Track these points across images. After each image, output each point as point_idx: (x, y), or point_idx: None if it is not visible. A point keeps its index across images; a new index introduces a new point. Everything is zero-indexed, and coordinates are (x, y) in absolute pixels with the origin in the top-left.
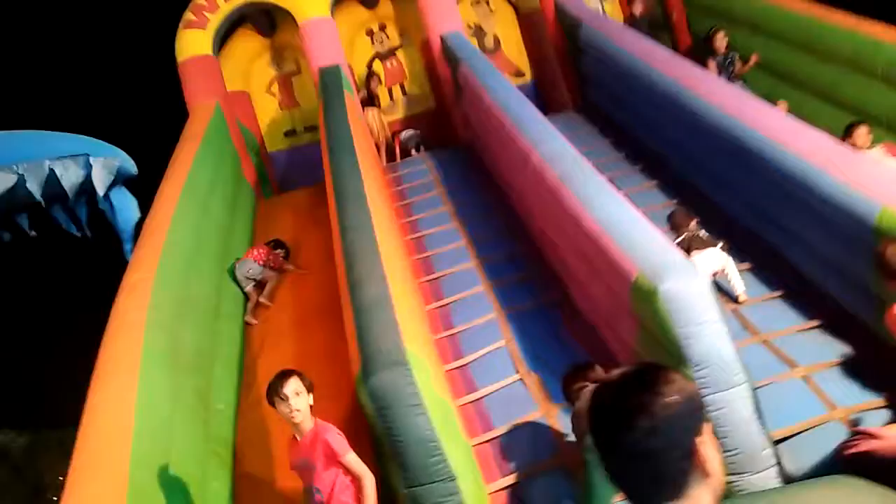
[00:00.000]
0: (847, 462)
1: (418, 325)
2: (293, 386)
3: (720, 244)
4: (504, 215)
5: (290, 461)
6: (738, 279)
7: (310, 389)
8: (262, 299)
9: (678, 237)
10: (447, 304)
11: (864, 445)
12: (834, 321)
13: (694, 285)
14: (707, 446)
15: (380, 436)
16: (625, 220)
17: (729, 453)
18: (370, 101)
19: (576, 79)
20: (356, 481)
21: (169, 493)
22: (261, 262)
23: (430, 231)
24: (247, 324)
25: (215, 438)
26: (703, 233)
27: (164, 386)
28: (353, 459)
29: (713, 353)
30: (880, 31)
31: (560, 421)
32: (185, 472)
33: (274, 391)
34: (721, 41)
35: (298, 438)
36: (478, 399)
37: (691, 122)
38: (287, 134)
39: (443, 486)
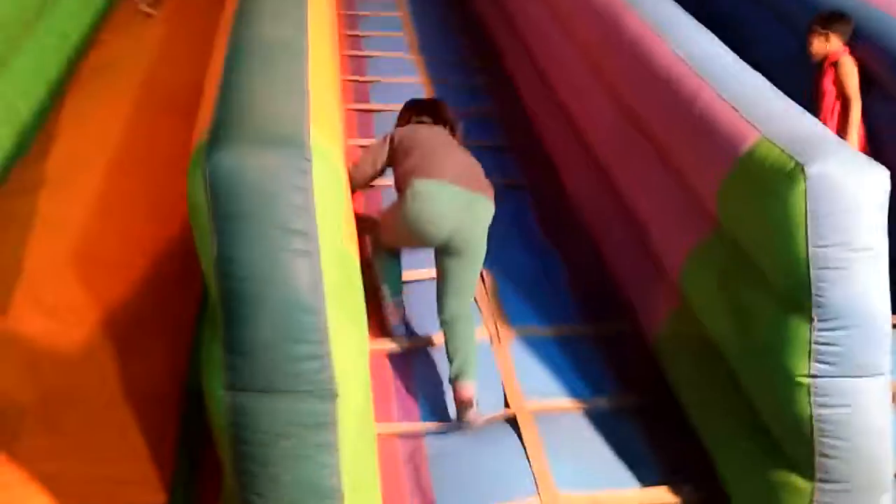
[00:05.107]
0: None
1: (338, 123)
2: None
3: None
4: (488, 70)
5: None
6: None
7: None
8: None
9: None
10: None
11: None
12: None
13: (870, 180)
14: None
15: (211, 269)
16: (729, 64)
17: (830, 484)
18: None
19: None
20: None
21: None
22: None
23: (375, 53)
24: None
25: None
26: None
27: None
28: None
29: (864, 305)
30: None
31: (511, 352)
32: None
33: None
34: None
35: None
36: None
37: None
38: None
39: (308, 405)
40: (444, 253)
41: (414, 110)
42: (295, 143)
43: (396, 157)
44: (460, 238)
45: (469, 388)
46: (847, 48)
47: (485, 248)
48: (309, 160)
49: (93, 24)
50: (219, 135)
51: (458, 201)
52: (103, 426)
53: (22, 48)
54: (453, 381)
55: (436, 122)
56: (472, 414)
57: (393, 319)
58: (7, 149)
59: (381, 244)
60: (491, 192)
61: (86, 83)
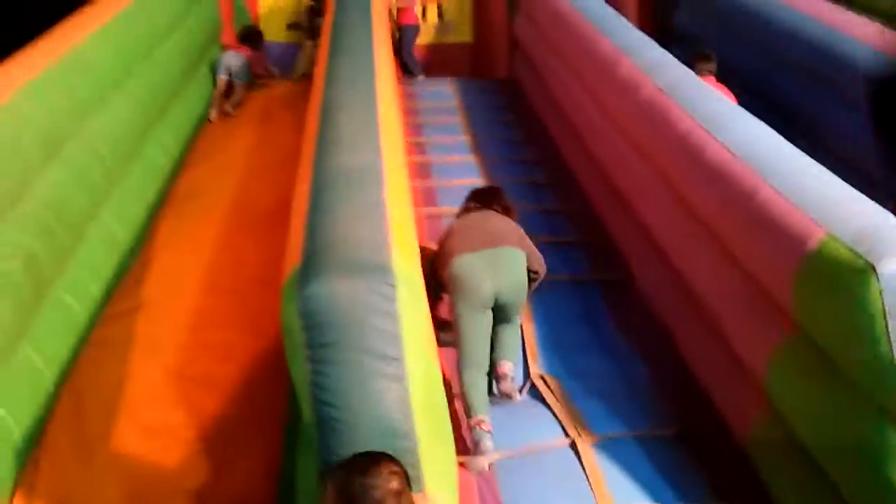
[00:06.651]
0: None
1: (414, 239)
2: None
3: None
4: (548, 164)
5: None
6: None
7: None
8: (227, 107)
9: None
10: None
11: None
12: None
13: None
14: None
15: (305, 394)
16: (786, 154)
17: None
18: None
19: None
20: None
21: None
22: (246, 58)
23: (439, 159)
24: (208, 121)
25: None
26: None
27: None
28: None
29: None
30: None
31: (596, 458)
32: None
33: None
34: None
35: None
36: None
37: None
38: (290, 27)
39: None
40: (497, 310)
41: (468, 198)
42: (380, 270)
43: (442, 245)
44: (507, 293)
45: (504, 365)
46: (713, 77)
47: (525, 288)
48: (394, 286)
49: (181, 154)
50: (309, 266)
51: (484, 262)
52: None
53: (119, 182)
54: (493, 362)
55: (484, 206)
56: (507, 386)
57: (479, 433)
58: (107, 277)
59: (464, 352)
60: (514, 241)
61: (178, 209)
